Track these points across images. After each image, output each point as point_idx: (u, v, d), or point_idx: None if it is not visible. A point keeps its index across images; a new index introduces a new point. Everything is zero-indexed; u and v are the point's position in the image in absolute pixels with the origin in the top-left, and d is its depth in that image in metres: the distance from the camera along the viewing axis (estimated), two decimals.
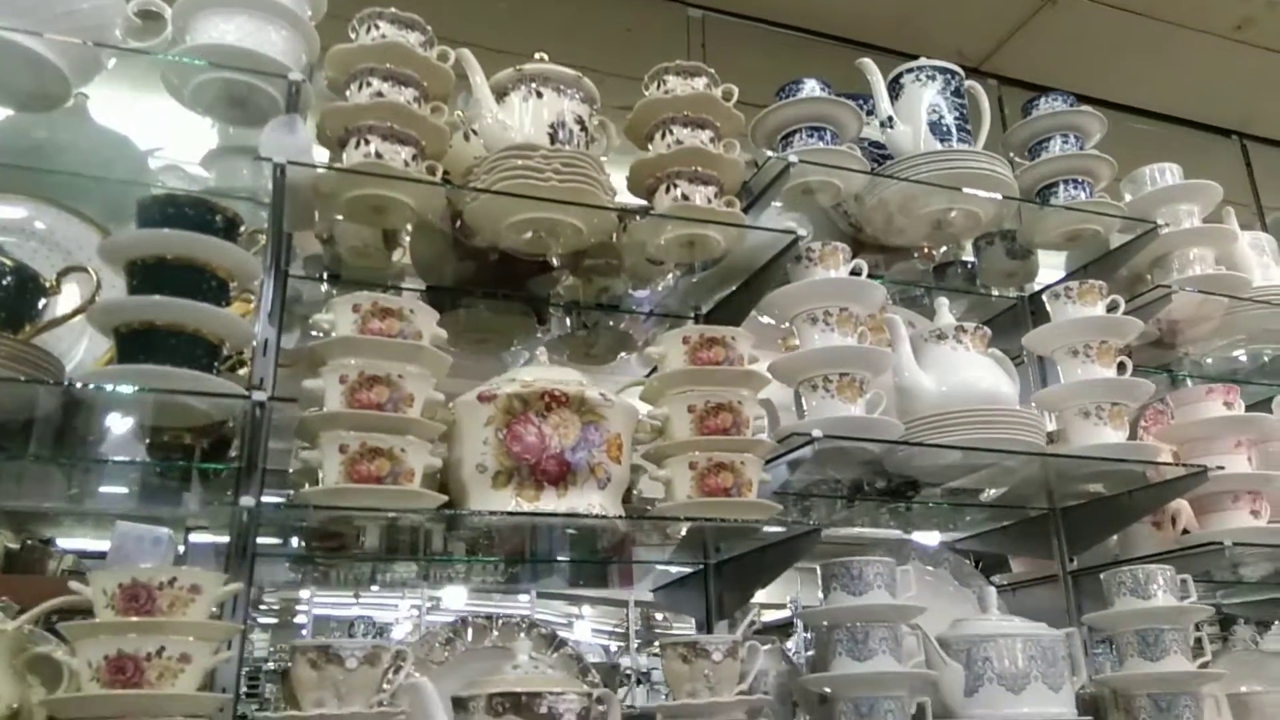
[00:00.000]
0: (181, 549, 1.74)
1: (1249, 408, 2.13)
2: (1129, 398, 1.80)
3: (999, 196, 1.85)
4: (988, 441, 1.65)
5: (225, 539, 1.36)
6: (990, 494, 2.16)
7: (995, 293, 2.28)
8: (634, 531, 1.72)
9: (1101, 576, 1.74)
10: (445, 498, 1.33)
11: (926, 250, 2.21)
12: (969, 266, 2.29)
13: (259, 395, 1.26)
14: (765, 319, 1.80)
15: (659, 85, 1.70)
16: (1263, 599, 2.41)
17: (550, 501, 1.36)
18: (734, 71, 1.86)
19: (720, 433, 1.45)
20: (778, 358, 1.64)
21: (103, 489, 1.74)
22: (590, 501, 1.38)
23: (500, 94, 1.62)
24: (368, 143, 1.45)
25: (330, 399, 1.29)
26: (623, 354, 2.08)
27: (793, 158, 1.69)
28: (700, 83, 1.70)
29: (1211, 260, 2.04)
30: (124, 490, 1.72)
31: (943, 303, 1.89)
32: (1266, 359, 2.45)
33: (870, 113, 1.98)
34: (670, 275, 1.94)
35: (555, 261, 1.86)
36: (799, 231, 1.65)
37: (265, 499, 1.29)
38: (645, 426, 1.52)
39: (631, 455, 1.48)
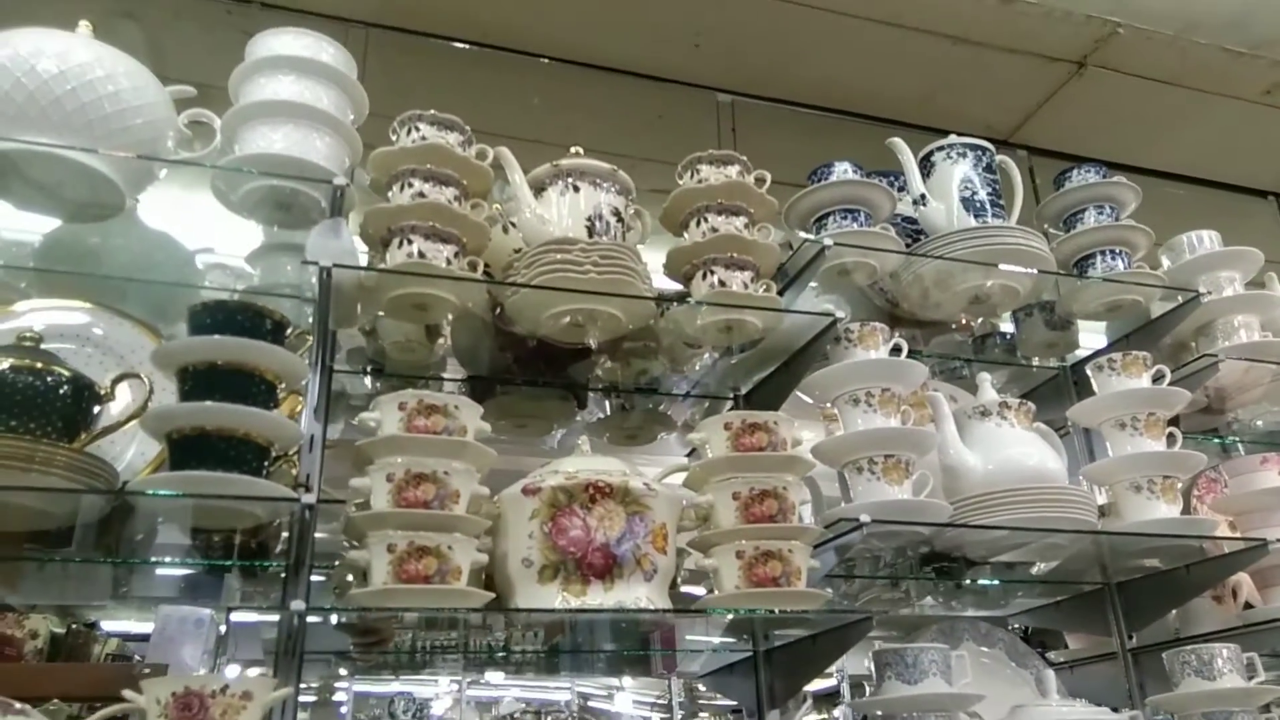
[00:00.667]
0: (223, 629, 1.74)
1: None
2: (1180, 470, 1.76)
3: (1035, 272, 1.85)
4: (1037, 521, 1.62)
5: (267, 618, 1.36)
6: (1041, 568, 2.12)
7: (1036, 363, 2.26)
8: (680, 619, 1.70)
9: (1164, 656, 1.69)
10: (492, 595, 1.33)
11: (965, 322, 2.20)
12: (1008, 338, 2.28)
13: (308, 498, 1.27)
14: (806, 398, 1.79)
15: (693, 174, 1.72)
16: None
17: (597, 595, 1.35)
18: (764, 153, 1.89)
19: (766, 520, 1.44)
20: (822, 440, 1.63)
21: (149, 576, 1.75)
22: (637, 595, 1.36)
23: (538, 189, 1.65)
24: (410, 242, 1.47)
25: (377, 498, 1.30)
26: (662, 434, 2.08)
27: (828, 241, 1.70)
28: (733, 170, 1.72)
29: (1257, 326, 2.01)
30: (169, 576, 1.73)
31: (985, 378, 1.88)
32: None
33: (902, 189, 1.99)
34: (708, 355, 1.95)
35: (594, 344, 1.88)
36: (837, 314, 1.65)
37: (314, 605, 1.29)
38: (689, 513, 1.51)
39: (676, 542, 1.47)
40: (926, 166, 1.98)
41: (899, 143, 1.94)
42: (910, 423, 1.66)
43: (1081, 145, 2.32)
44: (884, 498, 1.56)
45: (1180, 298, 1.99)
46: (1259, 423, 2.35)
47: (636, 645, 1.96)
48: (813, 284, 1.95)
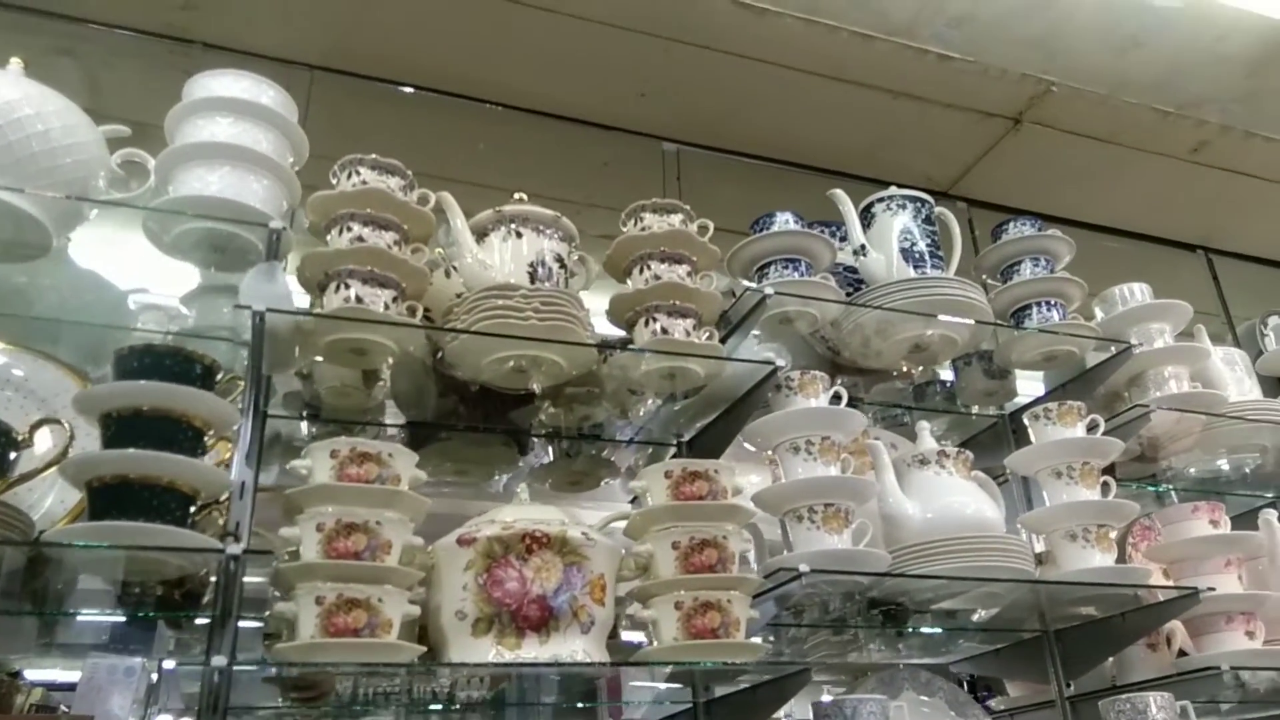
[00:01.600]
0: (155, 677, 1.67)
1: (1234, 518, 2.12)
2: (1114, 519, 1.78)
3: (972, 322, 1.87)
4: (974, 570, 1.62)
5: (200, 666, 1.31)
6: (981, 615, 2.13)
7: (976, 412, 2.29)
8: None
9: (1099, 705, 1.69)
10: (423, 649, 1.29)
11: (906, 371, 2.22)
12: (948, 386, 2.30)
13: (234, 549, 1.23)
14: (749, 446, 1.78)
15: (636, 222, 1.72)
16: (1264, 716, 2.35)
17: (532, 649, 1.32)
18: (710, 201, 1.91)
19: (706, 570, 1.42)
20: (762, 489, 1.63)
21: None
22: (574, 647, 1.34)
23: (480, 234, 1.64)
24: (348, 287, 1.45)
25: (307, 548, 1.26)
26: (607, 480, 2.06)
27: (769, 290, 1.70)
28: (676, 219, 1.72)
29: (1186, 377, 2.05)
30: (97, 624, 1.66)
31: (924, 426, 1.89)
32: (1248, 470, 2.44)
33: (844, 239, 2.01)
34: (651, 401, 1.94)
35: (537, 389, 1.86)
36: (777, 362, 1.65)
37: (242, 658, 1.24)
38: (629, 563, 1.49)
39: (615, 593, 1.45)
40: (867, 217, 2.01)
41: (840, 194, 1.96)
42: (850, 471, 1.66)
43: (1019, 198, 2.36)
44: (823, 547, 1.55)
45: (1113, 349, 2.03)
46: (1192, 470, 2.39)
47: (583, 695, 1.92)
48: (755, 332, 1.95)
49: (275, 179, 1.54)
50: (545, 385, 1.69)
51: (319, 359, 1.57)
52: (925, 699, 1.80)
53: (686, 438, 1.91)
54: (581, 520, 1.48)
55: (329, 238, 1.52)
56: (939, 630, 2.01)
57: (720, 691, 1.66)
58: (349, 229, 1.49)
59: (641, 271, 1.67)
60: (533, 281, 1.59)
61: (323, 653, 1.22)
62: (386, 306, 1.47)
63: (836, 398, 1.71)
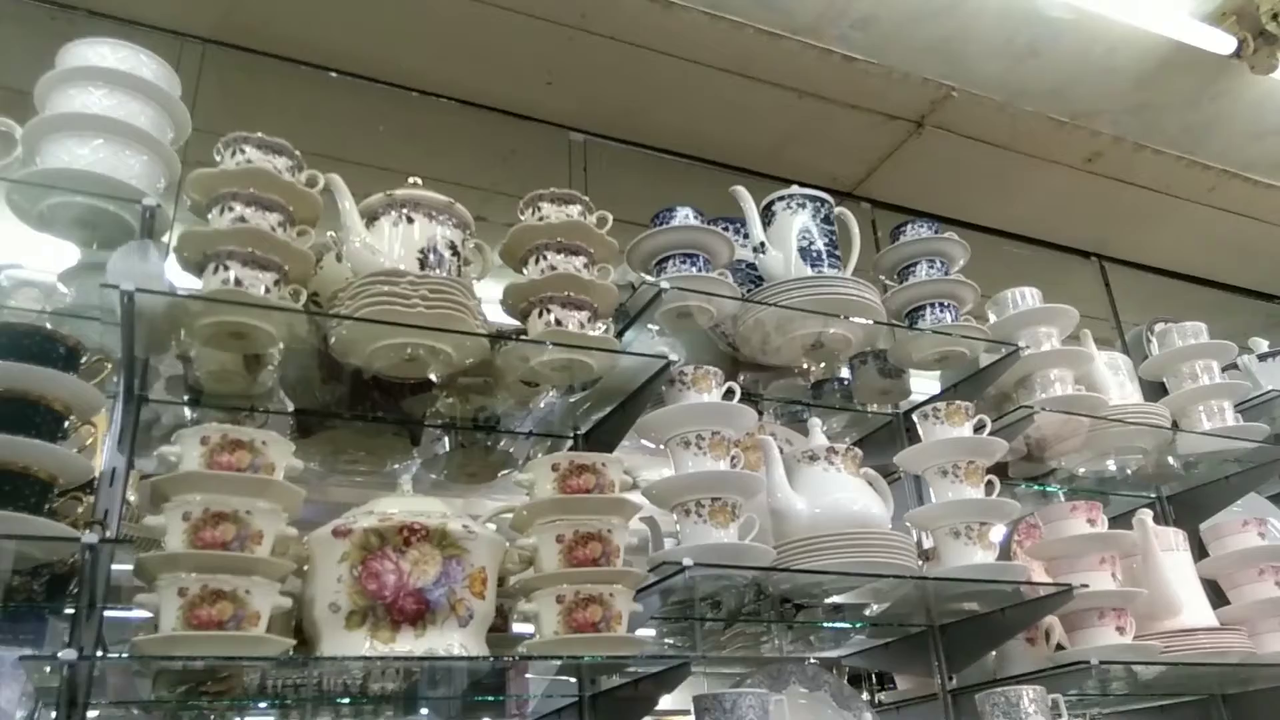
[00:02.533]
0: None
1: (1118, 518, 2.20)
2: (996, 518, 1.83)
3: (867, 321, 1.90)
4: (858, 565, 1.65)
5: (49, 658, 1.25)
6: (873, 609, 2.17)
7: (874, 409, 2.32)
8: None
9: (976, 698, 1.74)
10: (292, 642, 1.26)
11: (806, 368, 2.25)
12: (845, 384, 2.34)
13: (89, 538, 1.18)
14: (644, 441, 1.79)
15: (534, 211, 1.70)
16: (1139, 709, 2.44)
17: (407, 642, 1.30)
18: (616, 193, 1.90)
19: (589, 563, 1.42)
20: (652, 483, 1.63)
21: None
22: (450, 641, 1.32)
23: (371, 218, 1.60)
24: (227, 268, 1.41)
25: (172, 537, 1.22)
26: (503, 473, 2.04)
27: (664, 284, 1.70)
28: (574, 210, 1.71)
29: (1071, 380, 2.12)
30: None
31: (815, 423, 1.91)
32: (1130, 471, 2.53)
33: (746, 237, 2.02)
34: (553, 393, 1.93)
35: (435, 379, 1.84)
36: (670, 356, 1.65)
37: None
38: (513, 556, 1.48)
39: (497, 588, 1.44)
40: (768, 215, 2.02)
41: (741, 191, 1.98)
42: (740, 466, 1.68)
43: (921, 201, 2.41)
44: (709, 540, 1.56)
45: (1003, 351, 2.08)
46: (1081, 470, 2.48)
47: (494, 689, 1.89)
48: (654, 326, 1.96)
49: (153, 155, 1.49)
50: (435, 375, 1.67)
51: (197, 343, 1.51)
52: (805, 692, 1.82)
53: (583, 430, 1.90)
54: (475, 513, 1.47)
55: (210, 217, 1.47)
56: (826, 625, 2.04)
57: (607, 685, 1.66)
58: (230, 209, 1.45)
59: (537, 262, 1.65)
60: (423, 268, 1.56)
61: (185, 645, 1.18)
62: (268, 290, 1.43)
63: (730, 393, 1.72)
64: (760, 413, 2.21)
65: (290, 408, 1.84)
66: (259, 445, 1.29)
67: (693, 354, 2.03)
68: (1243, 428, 2.28)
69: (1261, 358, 2.50)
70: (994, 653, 2.04)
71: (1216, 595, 2.22)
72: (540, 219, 1.68)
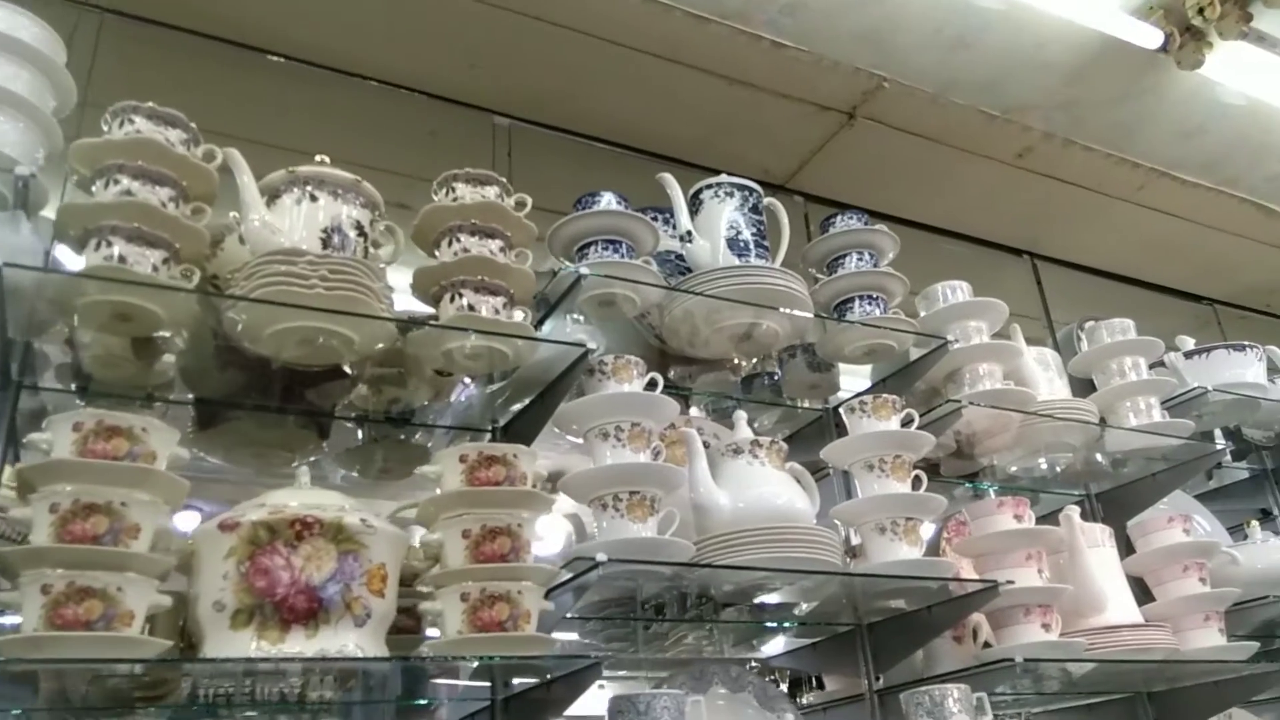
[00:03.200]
0: None
1: (1047, 516, 2.19)
2: (923, 513, 1.81)
3: (793, 313, 1.86)
4: (780, 560, 1.61)
5: None
6: (802, 609, 2.14)
7: (804, 405, 2.29)
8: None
9: (900, 697, 1.71)
10: (168, 644, 1.18)
11: (736, 362, 2.21)
12: (775, 379, 2.30)
13: None
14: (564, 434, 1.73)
15: (448, 192, 1.64)
16: (1065, 708, 2.44)
17: (297, 643, 1.22)
18: (540, 180, 1.84)
19: (497, 559, 1.36)
20: (569, 475, 1.57)
21: None
22: (344, 641, 1.25)
23: (272, 196, 1.52)
24: (110, 244, 1.32)
25: (38, 531, 1.14)
26: (419, 469, 1.97)
27: (583, 269, 1.65)
28: (491, 191, 1.65)
29: (1000, 375, 2.10)
30: None
31: (740, 416, 1.87)
32: (1060, 469, 2.53)
33: (674, 227, 1.97)
34: (471, 386, 1.86)
35: (349, 370, 1.76)
36: (589, 345, 1.60)
37: None
38: (418, 553, 1.41)
39: (402, 587, 1.37)
40: (695, 204, 1.98)
41: (668, 177, 1.93)
42: (662, 459, 1.63)
43: (854, 194, 2.39)
44: (626, 535, 1.51)
45: (932, 344, 2.05)
46: (1013, 468, 2.47)
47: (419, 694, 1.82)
48: (579, 317, 1.91)
49: (31, 122, 1.40)
50: (341, 363, 1.60)
51: (76, 324, 1.42)
52: (726, 693, 1.78)
53: (502, 424, 1.84)
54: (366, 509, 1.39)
55: (94, 189, 1.38)
56: (748, 624, 2.00)
57: (521, 688, 1.60)
58: (116, 181, 1.36)
59: (450, 244, 1.59)
60: (326, 249, 1.48)
61: (48, 647, 1.10)
62: (155, 269, 1.35)
63: (652, 384, 1.67)
64: (689, 407, 2.18)
65: (190, 397, 1.75)
66: (139, 432, 1.21)
67: (620, 347, 1.97)
68: (1169, 424, 2.29)
69: (1188, 355, 2.52)
70: (921, 652, 2.01)
71: (1143, 593, 2.23)
72: (454, 199, 1.61)
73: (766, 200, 2.03)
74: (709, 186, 1.98)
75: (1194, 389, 2.41)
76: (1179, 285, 3.29)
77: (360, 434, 1.94)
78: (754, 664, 2.15)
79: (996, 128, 2.43)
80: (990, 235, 2.89)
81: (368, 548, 1.29)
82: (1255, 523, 2.49)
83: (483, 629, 1.31)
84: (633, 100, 2.27)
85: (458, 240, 1.58)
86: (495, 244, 1.61)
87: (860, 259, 2.06)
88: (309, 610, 1.23)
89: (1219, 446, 2.43)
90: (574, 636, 1.96)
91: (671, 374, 2.17)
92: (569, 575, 1.47)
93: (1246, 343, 2.54)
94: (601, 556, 1.41)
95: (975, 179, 2.62)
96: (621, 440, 1.58)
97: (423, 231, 1.63)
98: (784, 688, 2.54)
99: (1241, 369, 2.46)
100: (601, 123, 2.34)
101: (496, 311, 1.55)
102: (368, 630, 1.28)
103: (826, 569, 1.66)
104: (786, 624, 2.09)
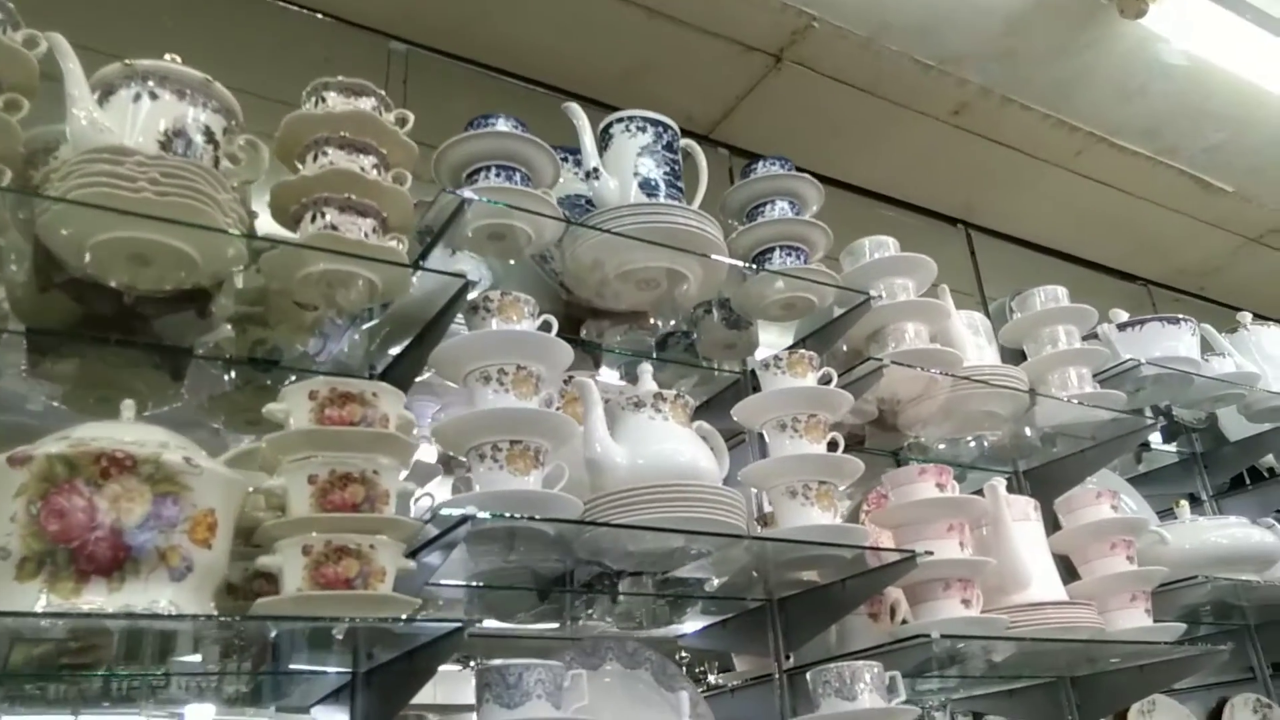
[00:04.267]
0: None
1: (975, 493, 2.08)
2: (837, 476, 1.68)
3: (714, 257, 1.73)
4: (678, 521, 1.46)
5: None
6: (714, 583, 2.01)
7: (720, 369, 2.16)
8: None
9: (808, 676, 1.59)
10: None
11: (653, 322, 2.06)
12: (692, 339, 2.16)
13: None
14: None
15: (317, 101, 1.48)
16: (987, 694, 2.35)
17: (97, 595, 1.05)
18: (441, 113, 1.69)
19: (348, 509, 1.20)
20: (441, 422, 1.41)
21: None
22: (156, 597, 1.07)
23: (106, 92, 1.33)
24: None
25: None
26: (265, 408, 1.78)
27: (468, 193, 1.49)
28: (366, 102, 1.49)
29: (926, 336, 1.99)
30: None
31: (645, 369, 1.72)
32: (988, 444, 2.44)
33: (580, 165, 1.82)
34: (344, 326, 1.69)
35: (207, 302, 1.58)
36: (470, 276, 1.44)
37: None
38: (257, 500, 1.25)
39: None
40: (605, 140, 1.83)
41: (574, 107, 1.78)
42: (556, 408, 1.48)
43: (783, 148, 2.24)
44: (505, 487, 1.36)
45: (855, 302, 1.93)
46: (941, 445, 2.37)
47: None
48: (475, 257, 1.75)
49: None
50: (182, 286, 1.41)
51: None
52: (621, 669, 1.64)
53: (380, 369, 1.66)
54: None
55: None
56: (645, 595, 1.87)
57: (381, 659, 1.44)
58: None
59: (316, 158, 1.42)
60: (164, 153, 1.30)
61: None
62: None
63: (546, 326, 1.51)
64: (598, 368, 2.03)
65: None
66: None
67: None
68: (1102, 394, 2.20)
69: (1121, 327, 2.44)
70: (836, 630, 1.90)
71: (1070, 573, 2.14)
72: (322, 108, 1.44)
73: (684, 141, 1.89)
74: (620, 120, 1.83)
75: (1127, 361, 2.33)
76: (1114, 263, 3.23)
77: (226, 380, 1.75)
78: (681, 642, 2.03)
79: (931, 80, 2.31)
80: (924, 200, 2.79)
81: (191, 490, 1.12)
82: (1184, 503, 2.42)
83: (326, 586, 1.15)
84: (543, 29, 2.11)
85: (324, 154, 1.42)
86: (368, 160, 1.44)
87: (782, 207, 1.93)
88: (113, 559, 1.06)
89: (1149, 421, 2.34)
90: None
91: (583, 332, 2.03)
92: (437, 532, 1.31)
93: (1181, 316, 2.47)
94: (472, 509, 1.26)
95: (909, 137, 2.51)
96: (505, 385, 1.42)
97: (286, 145, 1.46)
98: (701, 670, 2.44)
99: (1174, 341, 2.38)
100: (509, 53, 2.17)
101: (365, 235, 1.39)
102: (187, 585, 1.11)
103: (730, 531, 1.52)
104: (690, 597, 1.95)
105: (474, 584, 1.74)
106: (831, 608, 1.80)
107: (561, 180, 1.83)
